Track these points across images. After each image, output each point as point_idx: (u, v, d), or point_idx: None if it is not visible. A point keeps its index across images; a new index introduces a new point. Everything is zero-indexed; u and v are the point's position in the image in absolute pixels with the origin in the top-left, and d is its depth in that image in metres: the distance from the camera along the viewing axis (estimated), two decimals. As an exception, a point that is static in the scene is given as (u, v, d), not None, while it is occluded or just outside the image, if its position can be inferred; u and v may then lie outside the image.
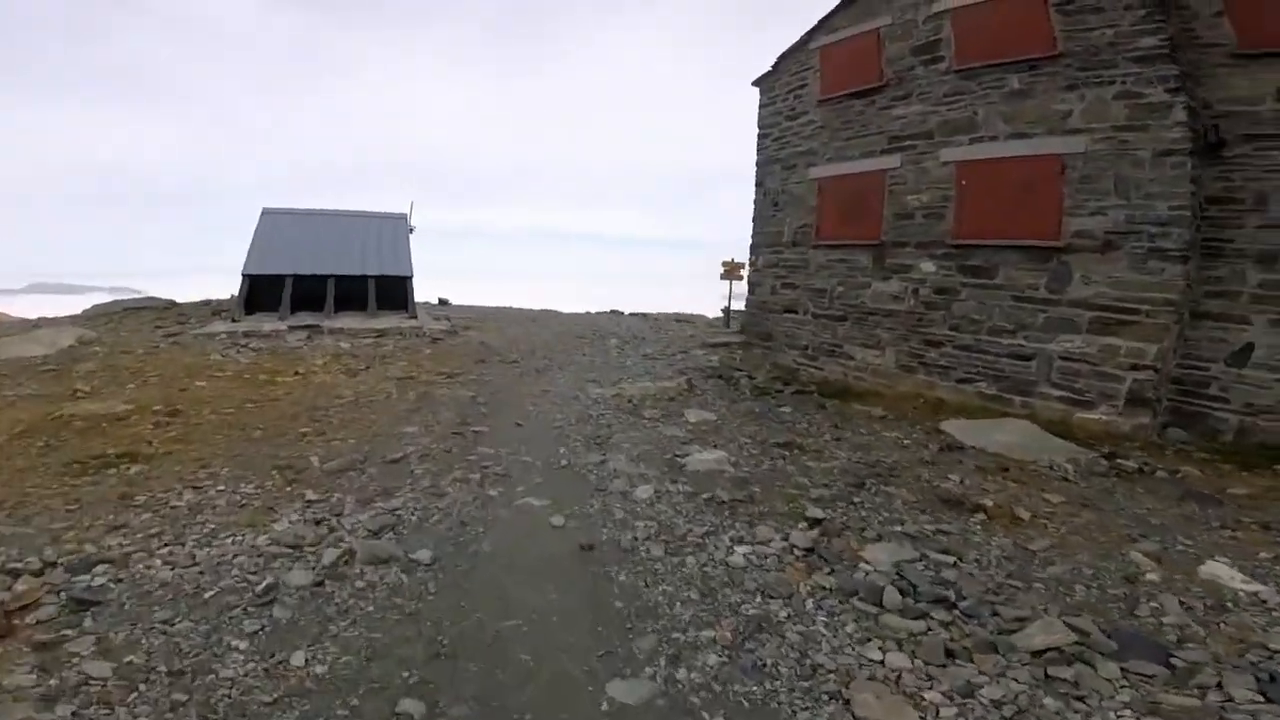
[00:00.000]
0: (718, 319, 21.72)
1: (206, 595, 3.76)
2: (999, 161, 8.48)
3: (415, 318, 15.76)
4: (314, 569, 4.07)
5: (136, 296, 19.92)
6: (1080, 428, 7.63)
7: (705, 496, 5.46)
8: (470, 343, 13.72)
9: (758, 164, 12.41)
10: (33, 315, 17.23)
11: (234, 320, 14.95)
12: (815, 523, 4.93)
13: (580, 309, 23.17)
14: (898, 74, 9.71)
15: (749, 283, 12.70)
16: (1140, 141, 7.39)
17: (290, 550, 4.31)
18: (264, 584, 3.84)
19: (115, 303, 18.12)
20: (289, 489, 5.42)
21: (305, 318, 15.16)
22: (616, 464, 6.26)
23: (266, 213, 17.70)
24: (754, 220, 12.47)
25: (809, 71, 11.28)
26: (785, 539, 4.66)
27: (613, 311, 23.38)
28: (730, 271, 21.39)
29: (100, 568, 3.98)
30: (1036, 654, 3.34)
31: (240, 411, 7.73)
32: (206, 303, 18.03)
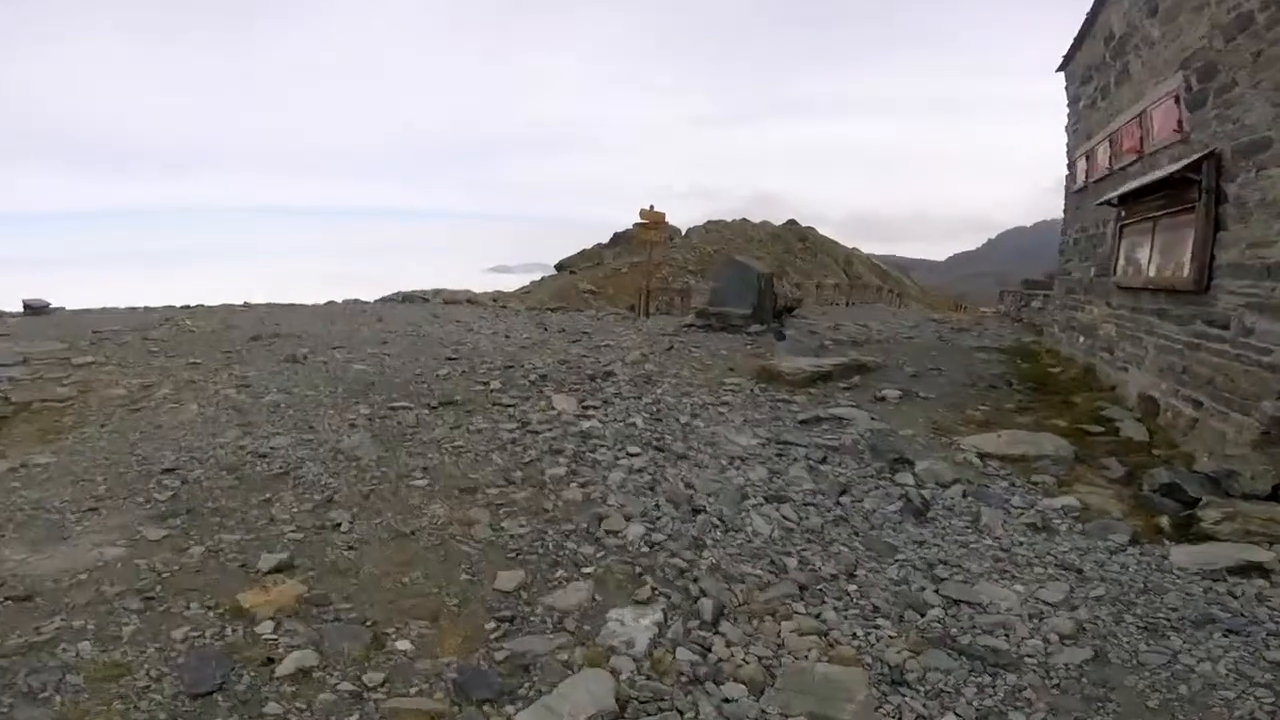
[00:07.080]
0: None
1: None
2: None
3: None
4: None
5: None
6: None
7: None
8: None
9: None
10: None
11: None
12: None
13: (326, 297, 12.78)
14: None
15: (1066, 245, 4.78)
16: None
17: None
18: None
19: None
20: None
21: None
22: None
23: None
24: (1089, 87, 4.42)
25: None
26: None
27: (407, 299, 13.34)
28: (652, 226, 12.89)
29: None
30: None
31: None
32: None
